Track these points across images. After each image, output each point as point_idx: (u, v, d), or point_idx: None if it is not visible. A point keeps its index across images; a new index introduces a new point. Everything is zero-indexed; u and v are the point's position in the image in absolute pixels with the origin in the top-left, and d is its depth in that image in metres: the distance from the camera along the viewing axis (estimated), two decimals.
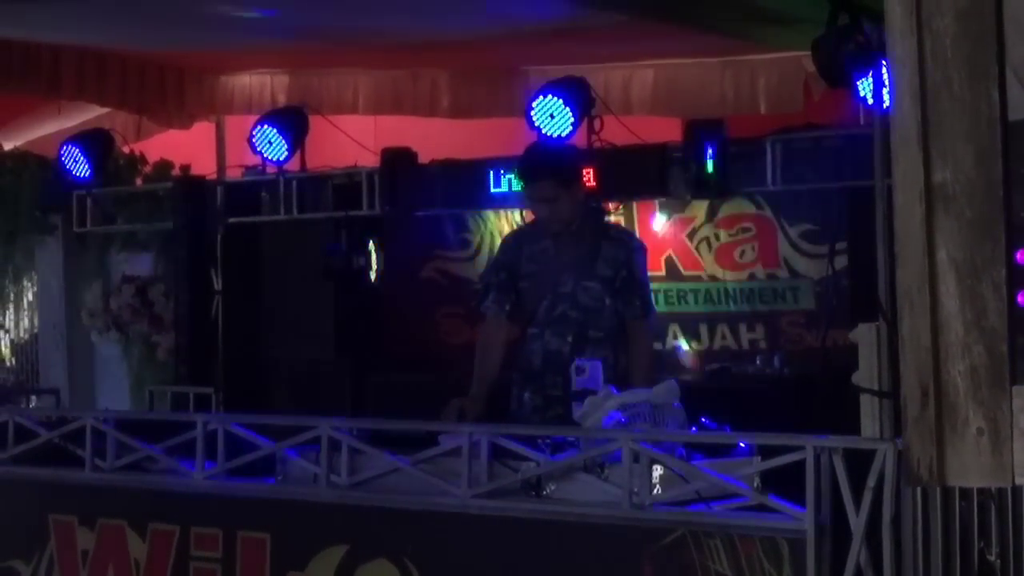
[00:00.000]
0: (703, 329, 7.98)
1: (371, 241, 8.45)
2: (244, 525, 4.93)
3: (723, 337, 7.91)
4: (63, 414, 6.39)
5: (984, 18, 2.24)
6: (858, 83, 5.92)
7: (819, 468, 3.96)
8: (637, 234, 7.99)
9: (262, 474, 5.05)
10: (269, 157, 8.48)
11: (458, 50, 8.52)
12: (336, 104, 9.49)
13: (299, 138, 8.47)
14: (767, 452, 4.29)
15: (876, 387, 4.01)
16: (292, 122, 8.45)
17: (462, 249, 8.71)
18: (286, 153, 8.41)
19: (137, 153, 9.74)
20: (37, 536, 5.40)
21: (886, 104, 5.07)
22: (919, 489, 3.78)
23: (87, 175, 8.97)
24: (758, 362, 7.57)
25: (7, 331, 10.18)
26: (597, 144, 7.67)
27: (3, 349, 10.24)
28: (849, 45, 4.93)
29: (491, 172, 7.94)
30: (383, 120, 9.86)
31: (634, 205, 8.01)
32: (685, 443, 4.44)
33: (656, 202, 7.95)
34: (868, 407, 3.98)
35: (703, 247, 7.95)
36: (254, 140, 8.43)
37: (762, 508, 4.11)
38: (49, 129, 10.47)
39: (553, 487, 4.43)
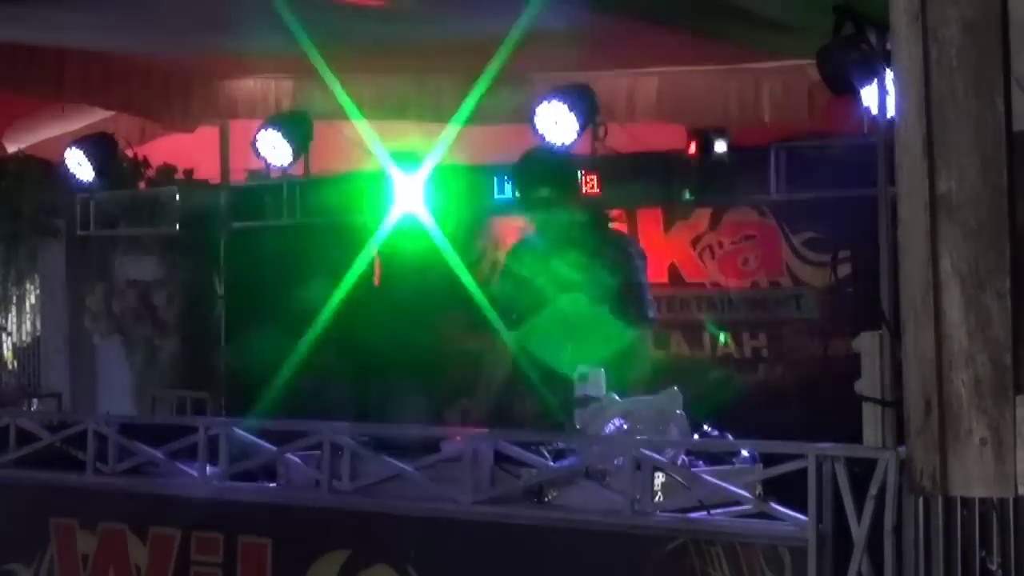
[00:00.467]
0: (706, 336, 7.98)
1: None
2: (245, 530, 4.93)
3: (726, 344, 7.91)
4: (65, 418, 6.38)
5: (989, 28, 2.24)
6: (862, 92, 5.92)
7: (821, 476, 3.96)
8: (640, 241, 8.02)
9: (264, 479, 5.05)
10: (273, 162, 8.49)
11: (462, 55, 8.51)
12: (340, 109, 9.48)
13: (303, 143, 8.47)
14: (769, 460, 4.30)
15: (879, 396, 4.01)
16: (296, 127, 8.46)
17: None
18: (290, 158, 8.41)
19: (141, 157, 9.75)
20: (38, 539, 5.40)
21: (891, 113, 5.07)
22: (921, 498, 3.78)
23: (90, 178, 8.97)
24: (760, 370, 7.56)
25: (9, 334, 10.18)
26: (601, 151, 7.68)
27: (5, 352, 10.24)
28: (854, 54, 4.92)
29: (495, 179, 7.94)
30: (387, 125, 9.84)
31: (637, 212, 8.01)
32: (687, 451, 4.44)
33: (660, 210, 7.95)
34: (870, 416, 3.97)
35: (706, 255, 7.95)
36: (258, 145, 8.43)
37: (764, 516, 4.11)
38: (53, 132, 10.46)
39: (555, 494, 4.43)
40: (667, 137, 8.31)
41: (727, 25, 5.88)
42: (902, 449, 3.81)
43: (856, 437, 4.27)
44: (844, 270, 6.93)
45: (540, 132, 7.49)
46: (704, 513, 4.21)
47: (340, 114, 9.38)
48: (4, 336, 10.22)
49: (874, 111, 5.92)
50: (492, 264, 8.63)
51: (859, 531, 3.89)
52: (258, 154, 8.49)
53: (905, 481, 3.67)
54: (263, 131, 8.43)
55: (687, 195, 7.45)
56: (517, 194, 6.04)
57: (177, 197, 9.00)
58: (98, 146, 9.02)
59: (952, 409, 2.28)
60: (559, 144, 7.45)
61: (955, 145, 2.28)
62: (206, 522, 5.02)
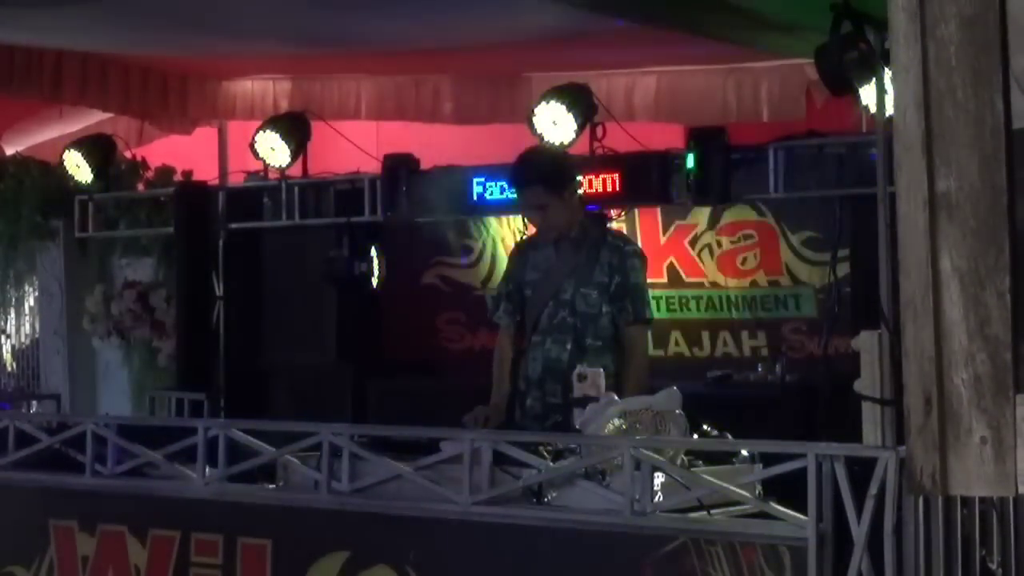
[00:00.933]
0: (705, 336, 7.97)
1: (373, 247, 8.46)
2: (245, 531, 4.92)
3: (725, 344, 7.91)
4: (64, 419, 6.37)
5: (988, 26, 2.24)
6: (861, 91, 5.92)
7: (821, 476, 3.95)
8: (639, 241, 8.02)
9: (263, 480, 5.04)
10: (271, 163, 8.49)
11: (460, 56, 8.52)
12: (338, 110, 9.49)
13: (301, 144, 8.48)
14: (769, 459, 4.29)
15: (878, 395, 4.01)
16: (294, 128, 8.46)
17: (464, 255, 8.71)
18: (288, 159, 8.41)
19: (139, 158, 9.75)
20: (37, 541, 5.39)
21: (889, 111, 5.07)
22: (921, 497, 3.78)
23: (89, 180, 8.98)
24: (760, 369, 7.56)
25: (8, 336, 10.18)
26: (599, 151, 7.68)
27: (4, 354, 10.24)
28: (852, 53, 4.92)
29: (492, 179, 7.94)
30: (385, 126, 9.86)
31: (636, 212, 8.01)
32: (686, 450, 4.44)
33: (658, 209, 7.95)
34: (870, 415, 3.97)
35: (705, 254, 7.95)
36: (256, 146, 8.43)
37: (764, 516, 4.10)
38: (51, 134, 10.47)
39: (554, 494, 4.42)
40: (665, 136, 8.32)
41: (725, 25, 5.87)
42: (902, 448, 3.82)
43: (856, 436, 4.27)
44: (843, 269, 6.92)
45: (538, 132, 7.49)
46: (704, 513, 4.20)
47: (338, 114, 9.40)
48: (3, 338, 10.22)
49: (873, 109, 5.93)
50: (491, 262, 8.64)
51: (859, 530, 3.88)
52: (256, 155, 8.49)
53: (905, 480, 3.67)
54: (261, 132, 8.43)
55: (685, 194, 7.43)
56: (514, 194, 6.04)
57: (176, 198, 8.99)
58: (96, 148, 9.03)
59: (952, 408, 2.27)
60: (557, 143, 7.45)
61: (954, 143, 2.28)
62: (205, 524, 5.01)
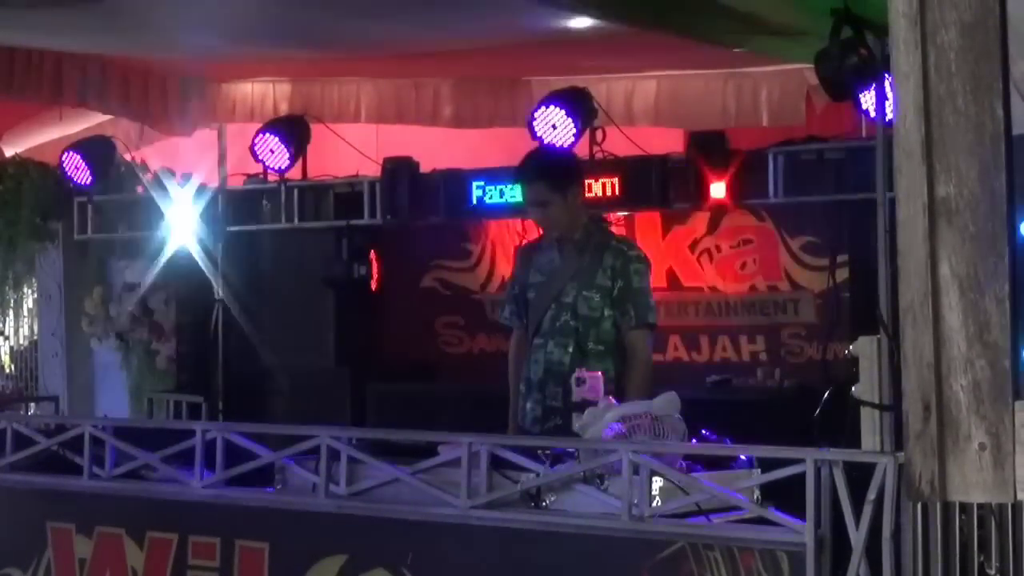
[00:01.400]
0: (704, 341, 7.97)
1: (372, 250, 8.46)
2: (242, 534, 4.92)
3: (724, 349, 7.91)
4: (62, 421, 6.38)
5: (988, 33, 2.24)
6: (860, 96, 5.92)
7: (819, 481, 3.95)
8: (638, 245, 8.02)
9: (261, 483, 5.04)
10: (271, 165, 8.49)
11: (460, 59, 8.52)
12: (338, 113, 9.49)
13: (301, 147, 8.48)
14: (767, 464, 4.29)
15: (877, 400, 4.00)
16: (294, 131, 8.46)
17: (462, 259, 8.72)
18: (288, 161, 8.41)
19: (139, 161, 9.74)
20: (34, 544, 5.39)
21: (888, 117, 5.08)
22: (919, 503, 3.78)
23: (88, 182, 8.98)
24: (759, 374, 7.56)
25: (7, 338, 10.18)
26: (599, 155, 7.68)
27: (3, 356, 10.24)
28: (852, 58, 4.93)
29: (491, 182, 7.94)
30: (385, 129, 9.86)
31: (635, 216, 8.01)
32: (685, 455, 4.43)
33: (658, 214, 7.95)
34: (868, 420, 3.97)
35: (704, 259, 7.95)
36: (256, 148, 8.43)
37: (762, 521, 4.10)
38: (51, 136, 10.47)
39: (553, 498, 4.42)
40: (665, 141, 8.32)
41: (726, 30, 5.88)
42: (900, 454, 3.81)
43: (854, 442, 4.27)
44: (842, 274, 6.92)
45: (538, 136, 7.49)
46: (702, 518, 4.20)
47: (338, 117, 9.40)
48: (1, 340, 10.21)
49: (872, 115, 5.93)
50: (490, 266, 8.64)
51: (857, 536, 3.88)
52: (256, 158, 8.49)
53: (904, 486, 3.66)
54: (261, 135, 8.43)
55: (684, 199, 7.44)
56: (514, 197, 6.04)
57: (175, 201, 8.99)
58: (96, 150, 9.03)
59: (951, 414, 2.27)
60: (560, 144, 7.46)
61: (954, 149, 2.28)
62: (203, 526, 5.01)
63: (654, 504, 4.23)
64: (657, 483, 4.26)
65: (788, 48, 6.25)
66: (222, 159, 9.88)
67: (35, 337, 10.00)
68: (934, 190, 2.29)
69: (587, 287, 5.69)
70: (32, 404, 9.54)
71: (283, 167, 8.45)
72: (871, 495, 3.85)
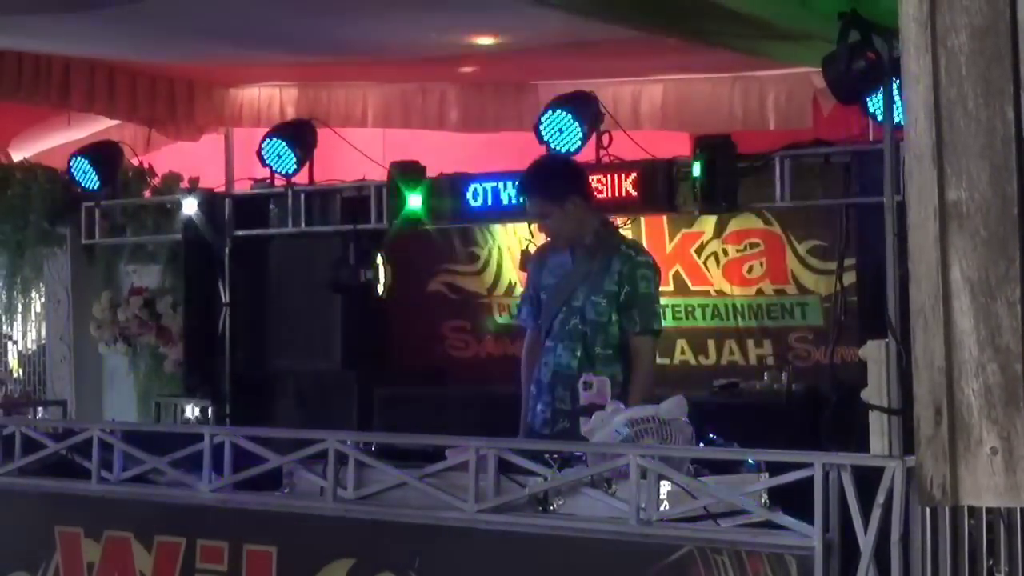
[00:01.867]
0: (711, 345, 7.97)
1: (379, 254, 8.46)
2: (250, 538, 4.92)
3: (731, 353, 7.90)
4: (70, 425, 6.38)
5: (999, 36, 2.24)
6: (868, 100, 5.92)
7: (827, 485, 3.95)
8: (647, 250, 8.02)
9: (268, 487, 5.04)
10: (278, 170, 8.49)
11: (467, 63, 8.53)
12: (345, 117, 9.51)
13: (308, 151, 8.47)
14: (775, 468, 4.29)
15: (885, 404, 4.00)
16: (301, 135, 8.46)
17: (470, 263, 8.72)
18: (295, 166, 8.41)
19: (146, 165, 9.76)
20: (43, 548, 5.40)
21: (896, 120, 5.07)
22: (928, 507, 3.77)
23: (96, 187, 8.99)
24: (766, 378, 7.55)
25: (15, 342, 10.19)
26: (606, 159, 7.68)
27: (11, 360, 10.25)
28: (859, 62, 4.92)
29: (499, 186, 7.94)
30: (392, 133, 9.87)
31: (642, 220, 8.01)
32: (693, 459, 4.43)
33: (664, 217, 7.94)
34: (877, 424, 3.97)
35: (711, 262, 7.94)
36: (263, 153, 8.43)
37: (770, 525, 4.10)
38: (58, 141, 10.49)
39: (560, 502, 4.42)
40: (672, 145, 8.32)
41: (733, 34, 5.88)
42: (909, 458, 3.81)
43: (862, 446, 4.27)
44: (849, 278, 6.91)
45: (545, 140, 7.49)
46: (710, 522, 4.20)
47: (345, 122, 9.41)
48: (10, 344, 10.22)
49: (879, 118, 5.93)
50: (497, 270, 8.64)
51: (866, 540, 3.88)
52: (263, 162, 8.50)
53: (914, 491, 3.66)
54: (268, 139, 8.43)
55: (691, 202, 7.43)
56: (517, 201, 6.06)
57: (182, 205, 9.00)
58: (104, 155, 9.03)
59: (962, 418, 2.27)
60: (564, 152, 7.46)
61: (965, 153, 2.28)
62: (211, 530, 5.01)
63: (662, 508, 4.23)
64: (665, 487, 4.26)
65: (795, 52, 6.25)
66: (229, 163, 9.89)
67: (43, 341, 10.01)
68: (945, 194, 2.28)
69: (596, 292, 5.71)
70: (40, 408, 9.54)
71: (290, 171, 8.45)
72: (880, 499, 3.85)
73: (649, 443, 4.44)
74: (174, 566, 5.05)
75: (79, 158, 8.97)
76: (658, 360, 7.93)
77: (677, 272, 8.02)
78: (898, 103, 5.04)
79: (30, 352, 10.13)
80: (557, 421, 5.69)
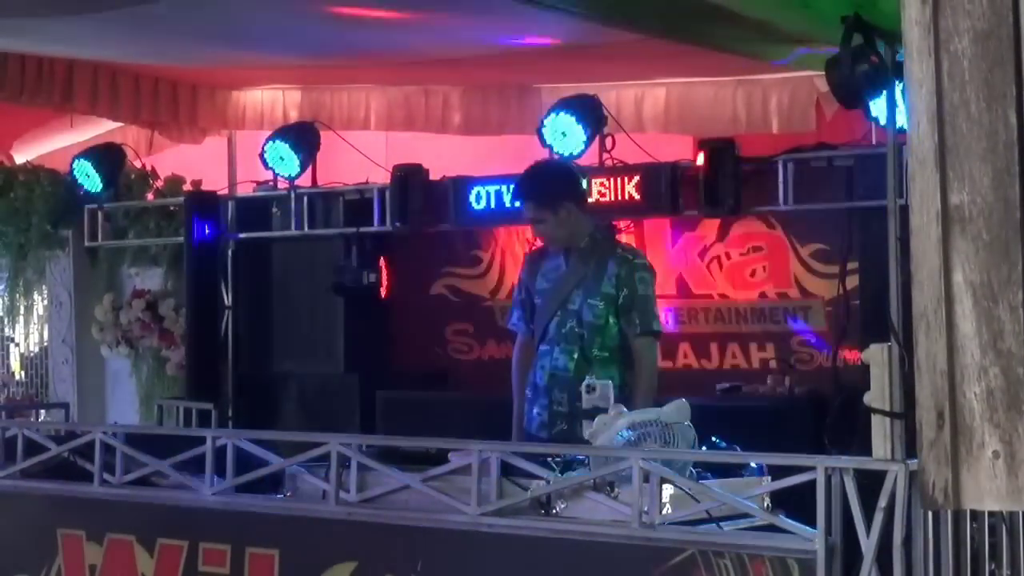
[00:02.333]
0: (713, 348, 7.97)
1: (382, 257, 8.46)
2: (253, 541, 4.92)
3: (734, 356, 7.90)
4: (72, 428, 6.39)
5: (1002, 40, 2.24)
6: (871, 103, 5.91)
7: (830, 488, 3.95)
8: (648, 253, 8.01)
9: (271, 490, 5.04)
10: (280, 172, 8.50)
11: (470, 67, 8.53)
12: (348, 120, 9.50)
13: (311, 154, 8.48)
14: (778, 472, 4.29)
15: (887, 408, 3.99)
16: (304, 138, 8.47)
17: (473, 266, 8.72)
18: (297, 168, 8.42)
19: (149, 168, 9.76)
20: (45, 550, 5.40)
21: (899, 124, 5.07)
22: (930, 510, 3.77)
23: (99, 189, 9.00)
24: (769, 382, 7.55)
25: (17, 344, 10.19)
26: (609, 162, 7.68)
27: (13, 363, 10.25)
28: (862, 65, 4.92)
29: (502, 189, 7.94)
30: (395, 136, 9.87)
31: (645, 223, 8.01)
32: (695, 462, 4.43)
33: (667, 221, 7.95)
34: (879, 428, 3.96)
35: (714, 266, 7.94)
36: (266, 155, 8.44)
37: (772, 528, 4.10)
38: (61, 143, 10.49)
39: (563, 505, 4.42)
40: (675, 148, 8.32)
41: (736, 37, 5.88)
42: (911, 461, 3.81)
43: (865, 449, 4.26)
44: (852, 281, 6.91)
45: (548, 143, 7.49)
46: (712, 525, 4.20)
47: (348, 125, 9.42)
48: (12, 346, 10.23)
49: (882, 122, 5.92)
50: (500, 273, 8.64)
51: (868, 543, 3.88)
52: (266, 165, 8.50)
53: (917, 495, 3.66)
54: (271, 142, 8.44)
55: (694, 206, 7.43)
56: (520, 205, 6.07)
57: (185, 208, 9.00)
58: (106, 157, 9.05)
59: (964, 422, 2.27)
60: (567, 155, 7.46)
61: (967, 157, 2.28)
62: (213, 533, 5.02)
63: (664, 511, 4.23)
64: (667, 490, 4.26)
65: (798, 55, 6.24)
66: (232, 166, 9.90)
67: (45, 344, 10.01)
68: (947, 198, 2.28)
69: (592, 295, 5.73)
70: (42, 411, 9.55)
71: (293, 174, 8.45)
72: (882, 503, 3.85)
73: (652, 447, 4.44)
74: (176, 569, 5.05)
75: (82, 160, 8.98)
76: (661, 363, 7.97)
77: (680, 276, 8.02)
78: (901, 107, 5.04)
79: (32, 354, 10.13)
80: (555, 424, 5.72)
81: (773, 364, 7.72)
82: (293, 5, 7.07)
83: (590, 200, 7.48)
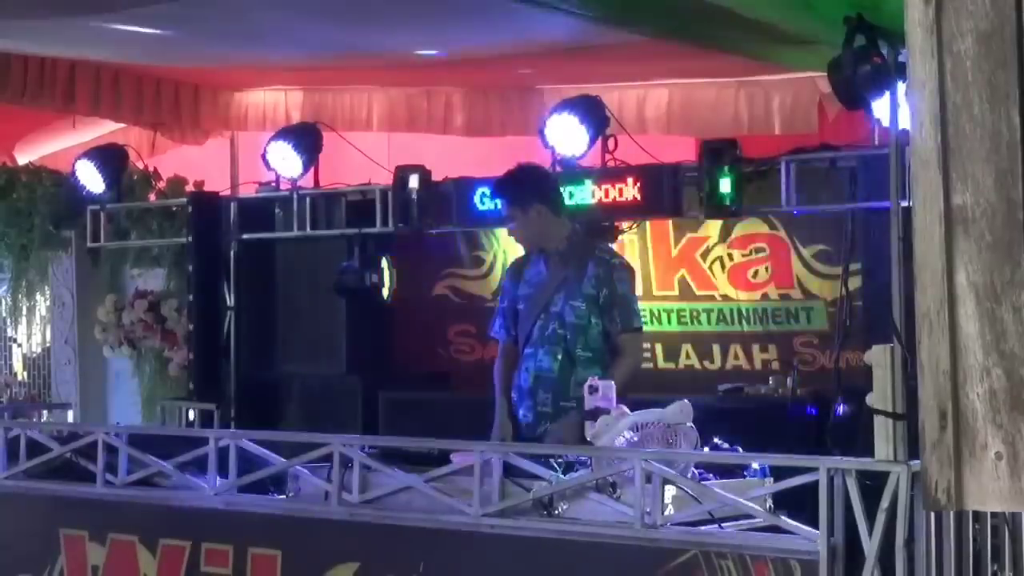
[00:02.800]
0: (716, 349, 7.96)
1: (384, 258, 8.46)
2: (255, 542, 4.93)
3: (736, 357, 7.90)
4: (75, 429, 6.39)
5: (1005, 41, 2.24)
6: (873, 104, 5.91)
7: (832, 489, 3.95)
8: (650, 254, 8.04)
9: (273, 491, 5.05)
10: (283, 173, 8.49)
11: (472, 68, 8.53)
12: (350, 121, 9.51)
13: (313, 155, 8.48)
14: (780, 473, 4.29)
15: (890, 409, 3.99)
16: (306, 139, 8.46)
17: (475, 267, 8.72)
18: (300, 169, 8.42)
19: (151, 169, 9.76)
20: (48, 550, 5.41)
21: (902, 125, 5.07)
22: (932, 511, 3.77)
23: (101, 190, 8.99)
24: (771, 382, 7.55)
25: (20, 345, 10.19)
26: (611, 163, 7.68)
27: (16, 363, 10.25)
28: (865, 66, 4.92)
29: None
30: (397, 137, 9.87)
31: (647, 224, 8.01)
32: (698, 463, 4.43)
33: (670, 222, 7.94)
34: (882, 429, 3.96)
35: (716, 267, 7.94)
36: (268, 156, 8.44)
37: (775, 529, 4.10)
38: (64, 144, 10.50)
39: (565, 506, 4.42)
40: (677, 149, 8.32)
41: (738, 38, 5.88)
42: (914, 462, 3.81)
43: (867, 450, 4.26)
44: (854, 282, 6.90)
45: (550, 145, 7.49)
46: (714, 526, 4.20)
47: (350, 125, 9.42)
48: (14, 347, 10.23)
49: (885, 123, 5.92)
50: (502, 274, 8.65)
51: (870, 545, 3.88)
52: (268, 166, 8.50)
53: (919, 496, 3.66)
54: (273, 143, 8.44)
55: (697, 207, 7.42)
56: (501, 208, 6.15)
57: (188, 209, 9.01)
58: (109, 158, 9.04)
59: (967, 423, 2.27)
60: (569, 156, 7.47)
61: (970, 158, 2.28)
62: (216, 534, 5.02)
63: (666, 512, 4.23)
64: (670, 491, 4.26)
65: (801, 56, 6.25)
66: (234, 167, 9.90)
67: (48, 344, 10.01)
68: (950, 199, 2.28)
69: (573, 296, 5.83)
70: (45, 411, 9.55)
71: (295, 175, 8.45)
72: (884, 504, 3.85)
73: (654, 447, 4.44)
74: (179, 569, 5.06)
75: (84, 161, 8.97)
76: (663, 365, 7.98)
77: (682, 276, 8.02)
78: (904, 107, 5.04)
79: (35, 355, 10.13)
80: (539, 424, 5.78)
81: (775, 365, 7.72)
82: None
83: (591, 201, 7.50)
